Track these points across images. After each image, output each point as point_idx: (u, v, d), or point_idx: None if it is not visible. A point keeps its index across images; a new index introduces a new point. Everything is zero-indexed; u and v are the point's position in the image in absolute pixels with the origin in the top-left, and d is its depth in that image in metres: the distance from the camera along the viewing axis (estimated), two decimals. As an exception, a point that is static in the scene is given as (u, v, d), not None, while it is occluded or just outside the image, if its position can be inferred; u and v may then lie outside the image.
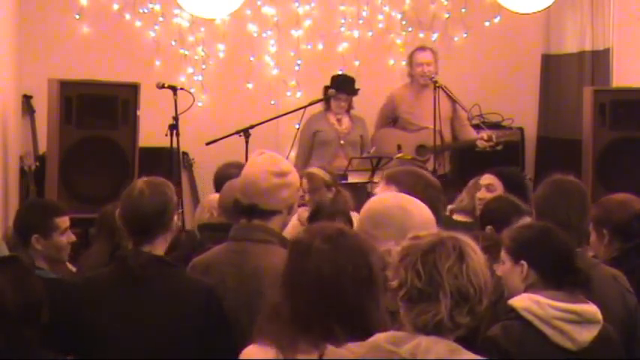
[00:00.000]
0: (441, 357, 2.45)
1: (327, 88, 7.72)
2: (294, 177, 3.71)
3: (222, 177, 5.27)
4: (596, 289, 3.59)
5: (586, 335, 3.28)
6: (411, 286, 2.49)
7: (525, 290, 3.39)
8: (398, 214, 3.18)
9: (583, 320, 3.29)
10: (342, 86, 7.66)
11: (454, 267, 2.48)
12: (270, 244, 3.60)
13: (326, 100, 7.66)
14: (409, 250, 2.54)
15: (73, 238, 4.54)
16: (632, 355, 3.65)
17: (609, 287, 3.72)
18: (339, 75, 7.88)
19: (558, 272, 3.37)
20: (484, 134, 7.49)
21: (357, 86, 7.73)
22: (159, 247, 3.55)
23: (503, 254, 3.52)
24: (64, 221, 4.51)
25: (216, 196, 4.81)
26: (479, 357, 2.54)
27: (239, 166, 5.44)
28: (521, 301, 3.33)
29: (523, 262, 3.42)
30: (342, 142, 7.67)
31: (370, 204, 3.29)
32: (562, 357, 3.27)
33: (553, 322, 3.27)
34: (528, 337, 3.28)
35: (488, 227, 4.41)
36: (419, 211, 3.22)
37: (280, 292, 2.79)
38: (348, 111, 7.78)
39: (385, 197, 3.41)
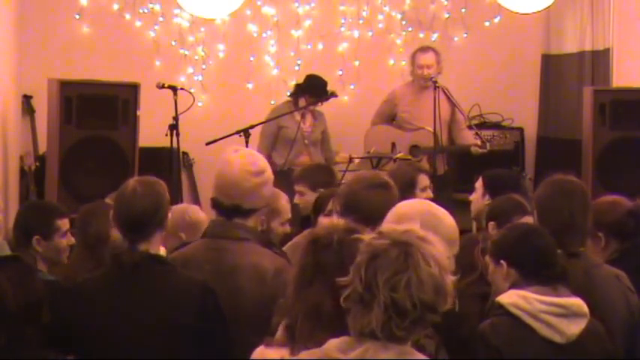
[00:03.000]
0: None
1: (298, 86, 7.76)
2: (270, 172, 3.77)
3: None
4: (599, 289, 3.61)
5: (574, 328, 3.31)
6: (353, 288, 2.45)
7: (509, 289, 3.42)
8: (428, 220, 3.17)
9: (570, 313, 3.31)
10: (316, 93, 7.66)
11: (392, 279, 2.39)
12: (248, 242, 3.65)
13: (296, 98, 7.68)
14: (363, 250, 2.49)
15: (72, 240, 4.53)
16: (635, 355, 3.66)
17: (612, 287, 3.73)
18: (313, 79, 7.84)
19: (535, 268, 3.40)
20: (478, 141, 7.50)
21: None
22: (155, 245, 3.56)
23: (487, 257, 3.57)
24: (64, 223, 4.50)
25: None
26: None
27: None
28: (509, 297, 3.36)
29: (502, 261, 3.47)
30: (306, 141, 7.68)
31: (398, 209, 3.30)
32: (550, 351, 3.29)
33: (540, 315, 3.29)
34: (517, 332, 3.30)
35: (491, 223, 4.44)
36: (447, 218, 3.24)
37: (299, 289, 2.78)
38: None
39: (414, 203, 3.43)
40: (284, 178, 6.92)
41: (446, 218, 3.24)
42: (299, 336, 2.73)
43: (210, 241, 3.74)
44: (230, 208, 3.68)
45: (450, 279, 2.45)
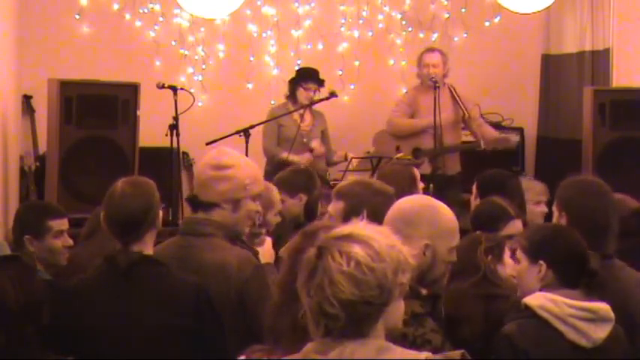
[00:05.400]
0: (368, 358, 2.39)
1: (292, 81, 7.75)
2: (235, 171, 3.72)
3: None
4: (622, 291, 3.61)
5: (600, 333, 3.30)
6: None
7: (540, 290, 3.39)
8: (429, 213, 3.26)
9: (597, 318, 3.31)
10: (311, 77, 7.69)
11: (306, 284, 2.38)
12: (214, 238, 3.66)
13: (293, 93, 7.68)
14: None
15: (69, 242, 4.51)
16: None
17: (635, 290, 3.71)
18: (304, 68, 7.88)
19: (576, 274, 3.37)
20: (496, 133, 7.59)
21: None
22: (148, 245, 3.56)
23: (519, 253, 3.52)
24: (58, 224, 4.47)
25: None
26: (411, 352, 2.49)
27: None
28: (537, 300, 3.34)
29: (542, 262, 3.42)
30: (304, 140, 7.67)
31: (399, 205, 3.33)
32: (577, 354, 3.29)
33: (568, 319, 3.28)
34: (544, 335, 3.29)
35: (477, 233, 4.39)
36: (446, 210, 3.30)
37: (285, 297, 2.76)
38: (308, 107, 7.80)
39: (414, 198, 3.49)
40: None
41: (445, 210, 3.29)
42: (284, 344, 2.70)
43: (179, 238, 3.79)
44: (191, 199, 3.76)
45: (388, 268, 2.38)
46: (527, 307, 3.34)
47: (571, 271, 3.38)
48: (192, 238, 3.71)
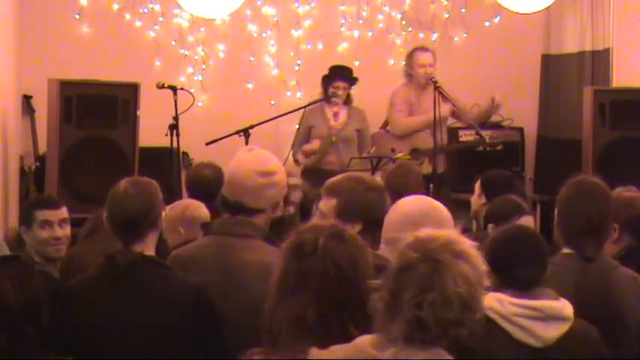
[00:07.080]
0: None
1: (325, 78, 7.73)
2: (280, 176, 3.71)
3: (196, 178, 5.34)
4: (615, 291, 3.59)
5: (551, 332, 3.21)
6: (382, 293, 2.47)
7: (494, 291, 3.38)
8: (434, 213, 3.44)
9: (545, 316, 3.22)
10: (342, 74, 7.69)
11: (418, 297, 2.40)
12: (253, 239, 3.63)
13: (325, 92, 7.66)
14: (397, 258, 2.48)
15: (57, 234, 4.46)
16: None
17: (628, 288, 3.68)
18: (335, 66, 7.87)
19: (509, 274, 3.30)
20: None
21: (357, 84, 7.80)
22: (150, 246, 3.55)
23: None
24: (43, 214, 4.43)
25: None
26: None
27: (213, 168, 5.48)
28: (486, 300, 3.32)
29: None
30: (333, 138, 7.65)
31: (403, 207, 3.44)
32: (527, 354, 3.22)
33: (513, 318, 3.22)
34: (492, 335, 3.23)
35: (490, 226, 4.43)
36: (442, 207, 3.49)
37: (284, 294, 2.76)
38: (346, 104, 7.77)
39: (415, 199, 3.60)
40: (311, 177, 6.88)
41: (442, 207, 3.50)
42: (281, 343, 2.70)
43: (214, 238, 3.73)
44: (233, 205, 3.67)
45: (482, 292, 2.47)
46: None
47: (502, 278, 3.30)
48: (229, 238, 3.65)
